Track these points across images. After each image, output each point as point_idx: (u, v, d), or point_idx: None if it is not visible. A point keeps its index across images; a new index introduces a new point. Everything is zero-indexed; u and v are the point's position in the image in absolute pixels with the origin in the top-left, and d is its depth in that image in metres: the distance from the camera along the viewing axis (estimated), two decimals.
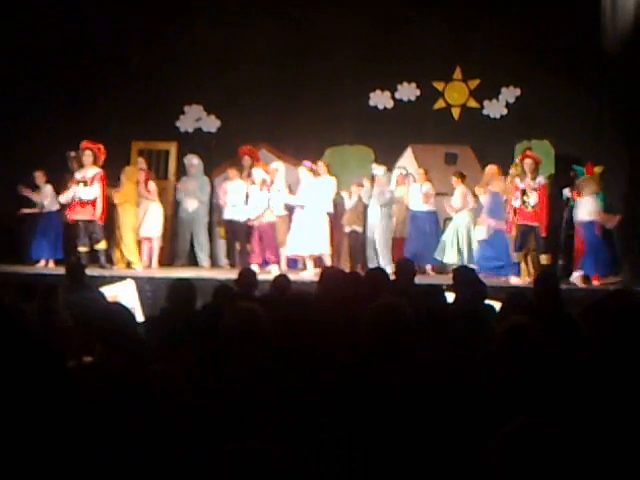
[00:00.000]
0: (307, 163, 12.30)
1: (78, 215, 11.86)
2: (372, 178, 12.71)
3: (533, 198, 11.36)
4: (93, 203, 11.83)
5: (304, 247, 11.96)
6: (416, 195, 12.49)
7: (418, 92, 13.68)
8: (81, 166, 11.95)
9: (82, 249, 11.83)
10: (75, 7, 13.07)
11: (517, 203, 11.39)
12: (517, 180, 11.50)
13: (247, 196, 12.31)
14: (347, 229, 12.53)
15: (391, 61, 13.30)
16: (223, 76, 13.36)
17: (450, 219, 12.61)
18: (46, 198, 12.35)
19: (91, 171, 11.87)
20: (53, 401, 3.52)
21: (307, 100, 13.20)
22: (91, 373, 3.77)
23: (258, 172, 12.27)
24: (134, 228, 12.19)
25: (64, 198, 12.02)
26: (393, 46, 13.25)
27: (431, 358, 3.87)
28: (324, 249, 12.04)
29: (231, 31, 13.32)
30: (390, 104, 13.71)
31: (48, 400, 3.52)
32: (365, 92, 13.62)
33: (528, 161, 11.48)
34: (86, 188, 11.77)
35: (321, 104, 13.12)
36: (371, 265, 11.70)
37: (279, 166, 12.54)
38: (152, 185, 12.53)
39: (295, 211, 12.24)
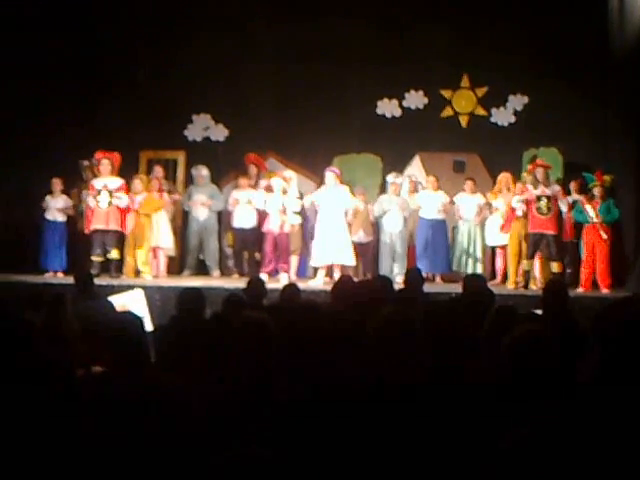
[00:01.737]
0: (334, 169, 12.26)
1: (101, 225, 11.84)
2: (381, 187, 12.66)
3: (562, 201, 11.45)
4: (123, 212, 11.87)
5: (330, 256, 11.88)
6: (430, 203, 12.46)
7: (426, 100, 13.69)
8: (95, 175, 12.00)
9: (96, 259, 11.85)
10: (85, 19, 13.12)
11: (519, 212, 11.48)
12: (530, 187, 11.55)
13: (257, 204, 12.32)
14: (356, 239, 12.44)
15: (398, 69, 13.31)
16: (231, 85, 13.40)
17: (456, 227, 12.63)
18: (56, 208, 12.35)
19: (113, 181, 11.92)
20: (61, 411, 3.52)
21: (315, 109, 13.21)
22: (100, 382, 3.77)
23: (277, 180, 12.23)
24: (149, 237, 12.20)
25: (91, 201, 11.96)
26: (400, 54, 13.26)
27: (433, 365, 3.87)
28: (349, 259, 11.96)
29: (238, 40, 13.34)
30: (398, 112, 13.72)
31: (55, 410, 3.52)
32: (372, 100, 13.64)
33: (540, 170, 11.55)
34: (115, 198, 11.81)
35: (329, 112, 13.13)
36: (382, 273, 11.66)
37: (291, 175, 12.54)
38: (166, 195, 12.56)
39: (318, 221, 12.16)
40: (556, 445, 2.22)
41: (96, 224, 11.89)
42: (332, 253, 11.77)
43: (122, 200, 11.82)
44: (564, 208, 11.58)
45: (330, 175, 12.01)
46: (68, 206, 12.36)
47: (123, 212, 11.93)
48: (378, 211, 12.43)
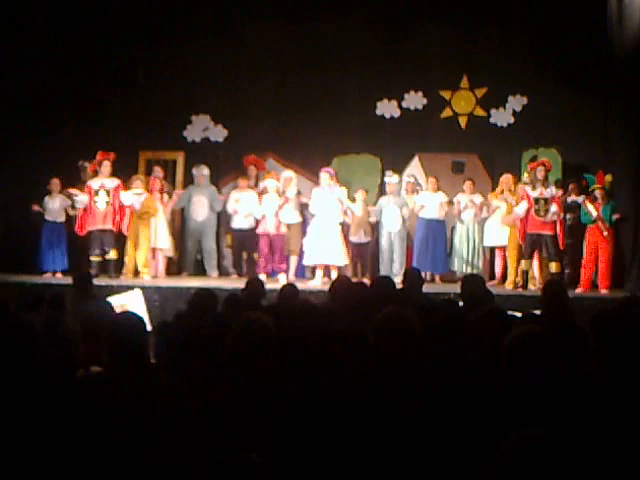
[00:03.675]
0: (329, 169, 12.26)
1: (98, 224, 11.87)
2: (380, 187, 12.64)
3: (553, 208, 11.38)
4: (121, 213, 11.89)
5: (320, 256, 11.89)
6: (430, 204, 12.46)
7: (425, 101, 13.68)
8: (95, 176, 12.01)
9: (95, 259, 11.85)
10: (84, 19, 13.12)
11: (521, 211, 11.45)
12: (527, 189, 11.52)
13: (256, 205, 12.31)
14: (356, 239, 12.45)
15: (398, 70, 13.32)
16: (230, 86, 13.40)
17: (454, 228, 12.64)
18: (55, 208, 12.34)
19: (110, 182, 11.93)
20: (60, 411, 3.52)
21: (314, 109, 13.21)
22: (99, 383, 3.77)
23: (271, 182, 12.24)
24: (149, 238, 12.18)
25: (80, 204, 12.02)
26: (400, 55, 13.26)
27: (435, 367, 3.87)
28: (340, 260, 11.97)
29: (237, 41, 13.35)
30: (397, 113, 13.71)
31: (55, 410, 3.52)
32: (372, 101, 13.63)
33: (541, 168, 11.52)
34: (119, 197, 11.84)
35: (328, 113, 13.13)
36: (382, 273, 11.67)
37: (291, 175, 12.53)
38: (165, 196, 12.57)
39: (310, 220, 12.17)
40: (556, 445, 2.22)
41: (93, 224, 11.90)
42: (323, 253, 11.79)
43: (127, 198, 11.84)
44: (554, 217, 11.45)
45: (324, 175, 12.04)
46: (67, 205, 12.35)
47: (121, 212, 11.92)
48: (376, 215, 12.45)
